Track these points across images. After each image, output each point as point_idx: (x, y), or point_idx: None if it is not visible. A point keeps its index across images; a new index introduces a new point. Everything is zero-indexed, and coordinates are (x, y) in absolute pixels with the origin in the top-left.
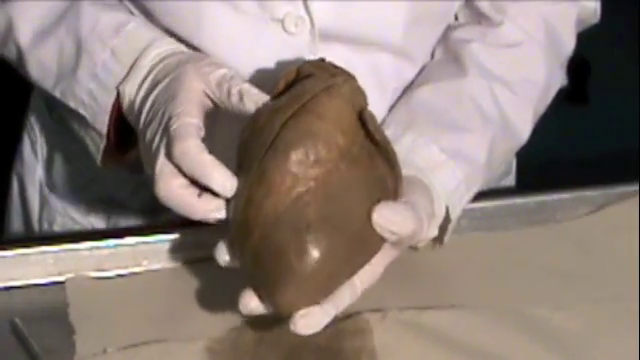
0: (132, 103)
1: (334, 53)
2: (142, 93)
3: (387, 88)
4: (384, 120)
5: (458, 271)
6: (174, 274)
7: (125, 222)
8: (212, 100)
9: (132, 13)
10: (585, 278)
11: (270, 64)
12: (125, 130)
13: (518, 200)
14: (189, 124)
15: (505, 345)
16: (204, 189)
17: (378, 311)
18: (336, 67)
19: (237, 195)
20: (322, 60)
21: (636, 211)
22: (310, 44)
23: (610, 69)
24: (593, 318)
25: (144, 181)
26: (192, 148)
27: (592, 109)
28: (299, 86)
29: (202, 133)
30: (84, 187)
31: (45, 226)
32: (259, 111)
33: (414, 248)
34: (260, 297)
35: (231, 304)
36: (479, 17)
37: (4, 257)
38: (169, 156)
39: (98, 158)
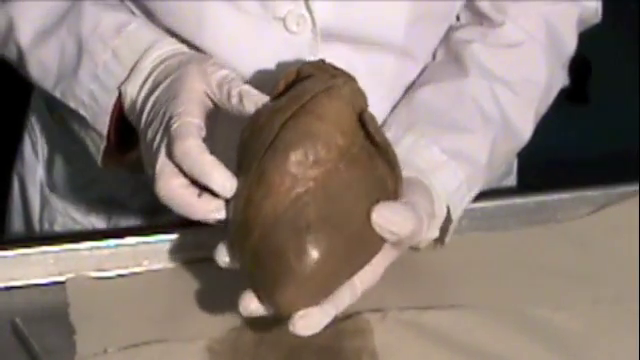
0: (134, 103)
1: (336, 53)
2: (143, 93)
3: (389, 88)
4: (385, 120)
5: (459, 271)
6: (175, 274)
7: (126, 222)
8: (213, 101)
9: (133, 13)
10: (586, 278)
11: (272, 63)
12: (125, 130)
13: (518, 200)
14: (190, 123)
15: (506, 345)
16: (204, 189)
17: (379, 311)
18: (336, 68)
19: (237, 195)
20: (322, 61)
21: (636, 211)
22: (312, 43)
23: (611, 69)
24: (594, 318)
25: (144, 181)
26: (193, 148)
27: (593, 109)
28: (299, 87)
29: (203, 133)
30: (85, 187)
31: (46, 226)
32: (259, 112)
33: (415, 248)
34: (260, 298)
35: (231, 304)
36: (480, 18)
37: (5, 257)
38: (170, 155)
39: (98, 159)
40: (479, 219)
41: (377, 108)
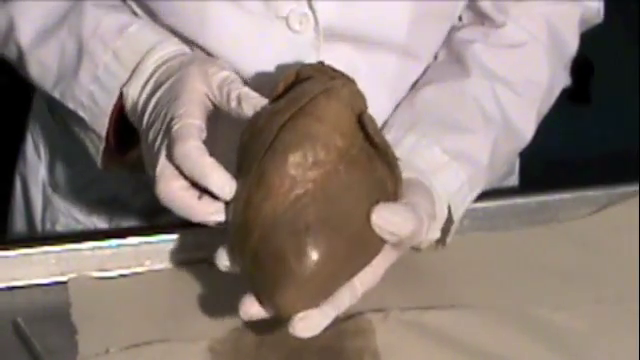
0: (135, 104)
1: (338, 52)
2: (145, 95)
3: (391, 88)
4: (387, 121)
5: (460, 271)
6: (176, 274)
7: (128, 222)
8: (213, 102)
9: (135, 13)
10: (587, 278)
11: (274, 62)
12: (125, 131)
13: (520, 200)
14: (191, 125)
15: (507, 345)
16: (205, 191)
17: (380, 311)
18: (335, 70)
19: (236, 197)
20: (321, 63)
21: (636, 211)
22: (314, 42)
23: (613, 69)
24: (595, 318)
25: (146, 182)
26: (193, 150)
27: (595, 109)
28: (298, 89)
29: (204, 135)
30: (86, 187)
31: (48, 226)
32: (258, 114)
33: (416, 249)
34: (260, 300)
35: (233, 305)
36: (482, 18)
37: (7, 257)
38: (170, 157)
39: (98, 160)
40: (481, 219)
41: (379, 108)
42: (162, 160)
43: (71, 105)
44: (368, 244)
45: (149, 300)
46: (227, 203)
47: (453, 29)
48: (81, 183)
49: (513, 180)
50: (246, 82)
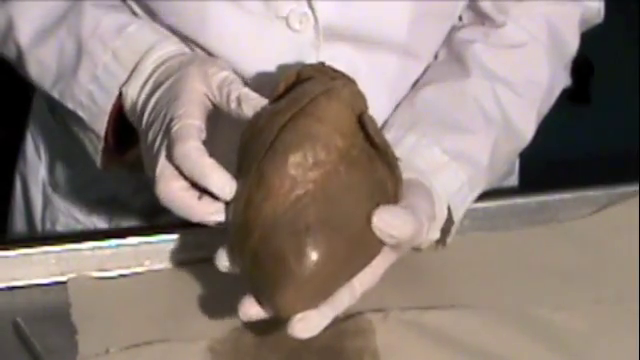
0: (134, 104)
1: (338, 51)
2: (144, 95)
3: (391, 87)
4: (387, 120)
5: (460, 271)
6: (176, 274)
7: (127, 222)
8: (212, 103)
9: (135, 13)
10: (587, 278)
11: (274, 62)
12: (124, 130)
13: (520, 200)
14: (190, 126)
15: (507, 345)
16: (204, 191)
17: (380, 311)
18: (336, 71)
19: (236, 197)
20: (322, 64)
21: (636, 211)
22: (314, 42)
23: (613, 69)
24: (595, 318)
25: (146, 181)
26: (192, 150)
27: (595, 109)
28: (299, 89)
29: (203, 135)
30: (86, 187)
31: (48, 226)
32: (259, 114)
33: (416, 249)
34: (259, 300)
35: (233, 305)
36: (482, 18)
37: (7, 257)
38: (170, 158)
39: (97, 159)
40: (481, 219)
41: (379, 107)
42: (162, 160)
43: (70, 105)
44: (368, 245)
45: (149, 300)
46: (227, 203)
47: (453, 29)
48: (81, 183)
49: (513, 180)
50: (246, 82)
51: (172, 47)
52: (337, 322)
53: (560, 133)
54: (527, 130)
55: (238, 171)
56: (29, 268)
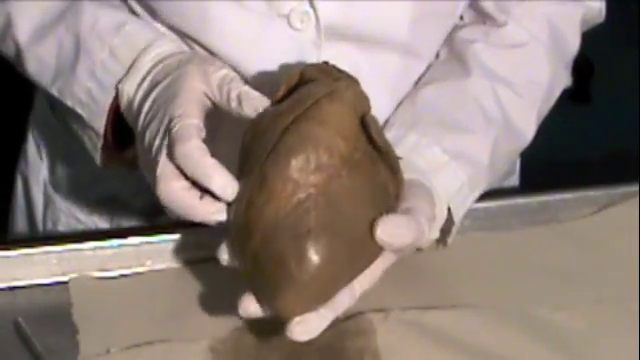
0: (131, 103)
1: (340, 50)
2: (141, 93)
3: (393, 86)
4: (388, 119)
5: (460, 271)
6: (177, 274)
7: (129, 222)
8: (212, 101)
9: (136, 13)
10: (587, 278)
11: (276, 60)
12: (123, 128)
13: (521, 200)
14: (191, 126)
15: (507, 345)
16: (206, 191)
17: (381, 311)
18: (340, 71)
19: (238, 198)
20: (325, 64)
21: (637, 211)
22: (316, 40)
23: (613, 69)
24: (595, 318)
25: (147, 181)
26: (194, 150)
27: (595, 109)
28: (302, 90)
29: (203, 134)
30: (87, 187)
31: (49, 225)
32: (261, 115)
33: (417, 249)
34: (260, 302)
35: (234, 304)
36: (483, 17)
37: (8, 257)
38: (171, 157)
39: (96, 157)
40: (481, 219)
41: (380, 107)
42: (162, 160)
43: (69, 102)
44: (368, 248)
45: (150, 300)
46: (228, 203)
47: (454, 28)
48: (82, 183)
49: (514, 180)
50: (247, 81)
51: (170, 45)
52: (338, 322)
53: (561, 133)
54: (527, 130)
55: (240, 171)
56: (30, 268)
